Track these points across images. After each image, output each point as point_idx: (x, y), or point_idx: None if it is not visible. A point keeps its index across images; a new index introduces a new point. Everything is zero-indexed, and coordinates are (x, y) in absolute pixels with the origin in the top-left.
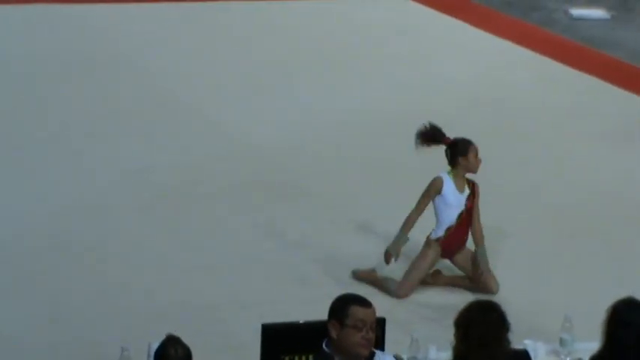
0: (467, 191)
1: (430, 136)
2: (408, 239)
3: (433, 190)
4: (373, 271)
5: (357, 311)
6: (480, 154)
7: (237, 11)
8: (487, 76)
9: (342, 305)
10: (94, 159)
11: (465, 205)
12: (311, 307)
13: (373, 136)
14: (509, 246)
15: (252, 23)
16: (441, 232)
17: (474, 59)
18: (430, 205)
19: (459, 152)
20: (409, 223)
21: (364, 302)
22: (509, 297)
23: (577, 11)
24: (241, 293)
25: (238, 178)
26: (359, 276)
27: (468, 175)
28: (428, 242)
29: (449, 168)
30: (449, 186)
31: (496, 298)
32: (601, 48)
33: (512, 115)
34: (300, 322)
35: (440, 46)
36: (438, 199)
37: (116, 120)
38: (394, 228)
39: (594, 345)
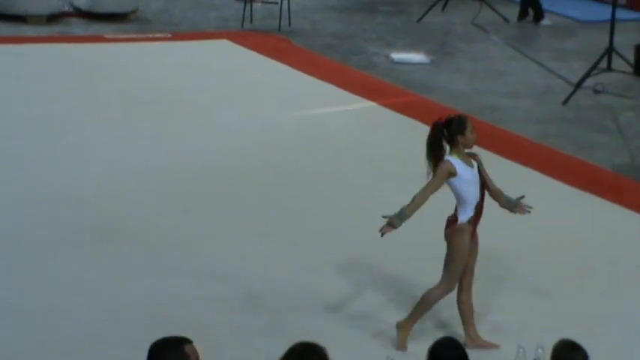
0: (474, 164)
1: (434, 139)
2: (407, 219)
3: (444, 173)
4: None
5: None
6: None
7: (59, 54)
8: (309, 119)
9: None
10: None
11: (480, 177)
12: (123, 350)
13: (195, 181)
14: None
15: (73, 65)
16: (470, 212)
17: (296, 102)
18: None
19: (457, 131)
20: (416, 204)
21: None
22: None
23: (398, 55)
24: (50, 340)
25: (60, 222)
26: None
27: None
28: (460, 228)
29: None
30: (460, 165)
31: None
32: (421, 91)
33: (334, 157)
34: None
35: (263, 89)
36: (456, 181)
37: None
38: (235, 273)
39: None
